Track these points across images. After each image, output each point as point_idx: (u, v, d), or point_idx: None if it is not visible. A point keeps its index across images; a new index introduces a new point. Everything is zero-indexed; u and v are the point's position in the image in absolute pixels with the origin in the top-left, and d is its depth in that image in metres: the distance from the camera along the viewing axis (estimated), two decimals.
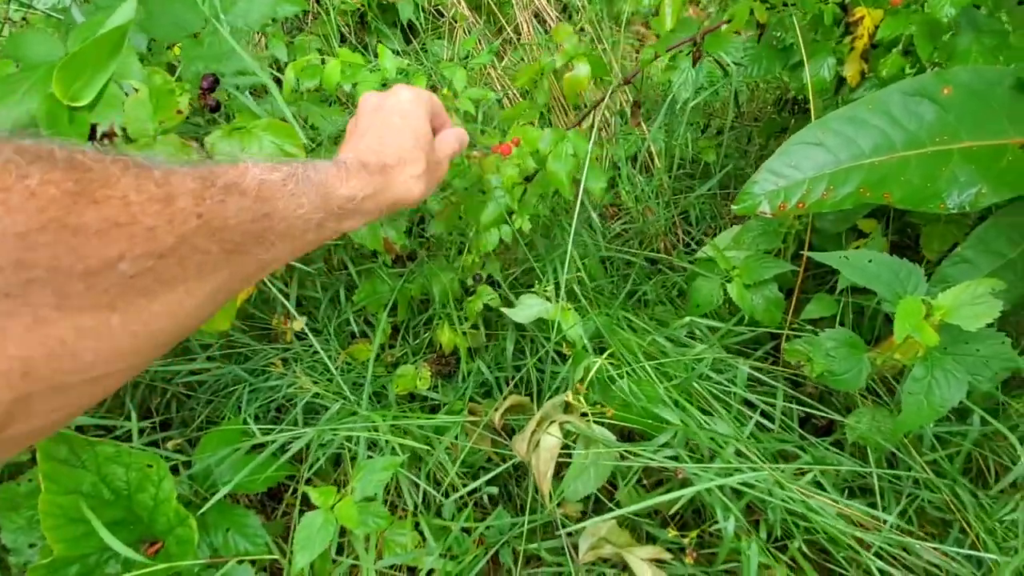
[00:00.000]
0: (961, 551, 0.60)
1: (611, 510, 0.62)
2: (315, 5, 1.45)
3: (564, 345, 0.79)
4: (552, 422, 0.63)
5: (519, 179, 0.80)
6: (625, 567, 0.62)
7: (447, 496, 0.72)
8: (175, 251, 0.25)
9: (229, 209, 0.28)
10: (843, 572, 0.62)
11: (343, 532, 0.69)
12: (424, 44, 1.56)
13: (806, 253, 0.72)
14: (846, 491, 0.70)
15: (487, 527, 0.72)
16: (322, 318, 0.93)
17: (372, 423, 0.71)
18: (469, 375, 0.88)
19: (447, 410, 0.82)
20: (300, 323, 0.84)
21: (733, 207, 0.70)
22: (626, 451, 0.61)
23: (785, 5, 0.80)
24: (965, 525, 0.63)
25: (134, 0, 0.46)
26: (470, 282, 0.91)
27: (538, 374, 0.84)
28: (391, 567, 0.69)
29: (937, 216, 0.84)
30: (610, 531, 0.62)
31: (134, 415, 0.73)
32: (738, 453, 0.63)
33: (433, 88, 1.29)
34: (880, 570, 0.58)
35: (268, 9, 0.81)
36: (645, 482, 0.75)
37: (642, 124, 1.23)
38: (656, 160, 1.27)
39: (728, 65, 1.12)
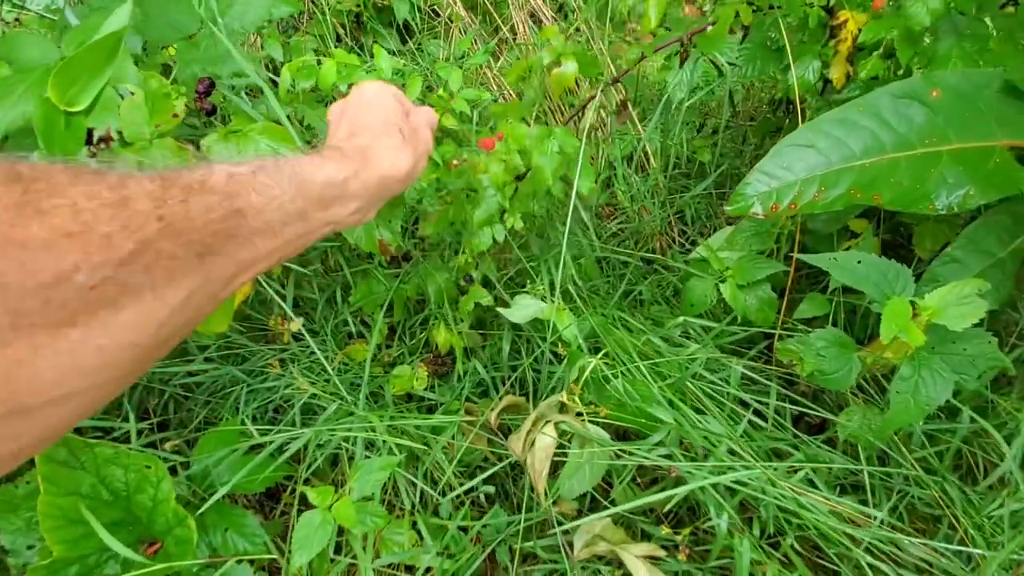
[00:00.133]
0: (950, 547, 0.61)
1: (606, 508, 0.63)
2: (311, 5, 1.45)
3: (560, 345, 0.80)
4: (547, 422, 0.64)
5: (509, 178, 0.80)
6: (620, 564, 0.63)
7: (444, 495, 0.73)
8: (137, 257, 0.23)
9: (194, 209, 0.26)
10: (835, 568, 0.63)
11: (341, 531, 0.69)
12: (420, 44, 1.56)
13: (796, 255, 0.73)
14: (838, 488, 0.71)
15: (484, 526, 0.72)
16: (319, 319, 0.93)
17: (369, 423, 0.72)
18: (465, 375, 0.88)
19: (444, 410, 0.82)
20: (297, 324, 0.85)
21: (726, 208, 0.71)
22: (620, 450, 0.62)
23: (771, 8, 0.81)
24: (954, 521, 0.64)
25: (129, 5, 0.47)
26: (462, 282, 0.91)
27: (534, 374, 0.85)
28: (389, 566, 0.70)
29: (928, 216, 0.85)
30: (605, 529, 0.63)
31: (132, 416, 0.73)
32: (731, 451, 0.64)
33: (429, 88, 1.29)
34: (870, 566, 0.59)
35: (263, 11, 0.81)
36: (640, 480, 0.76)
37: (636, 123, 1.24)
38: (652, 160, 1.28)
39: (723, 65, 1.12)
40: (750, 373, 0.77)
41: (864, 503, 0.66)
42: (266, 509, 0.87)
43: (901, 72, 0.79)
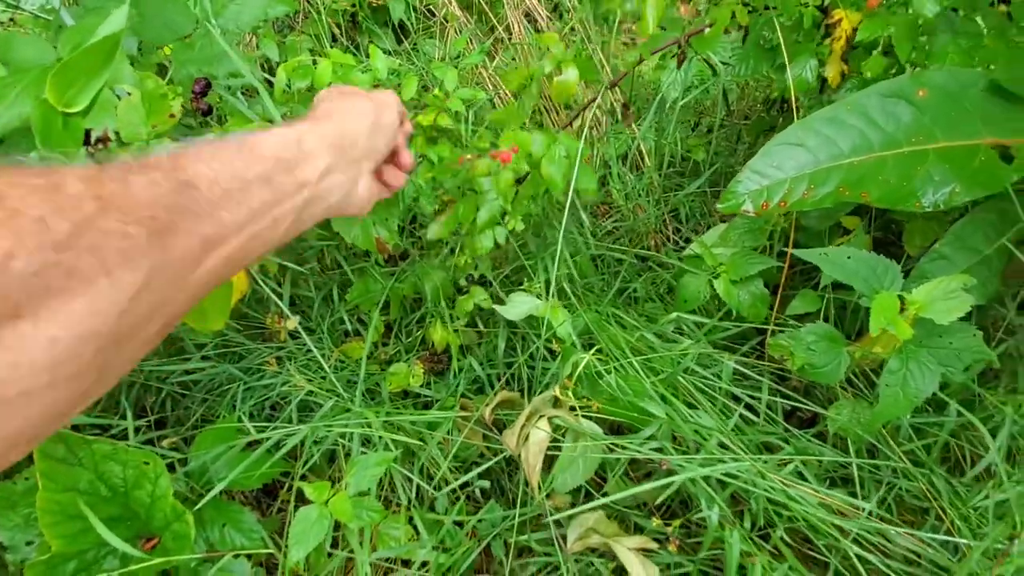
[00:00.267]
0: (936, 537, 0.62)
1: (600, 502, 0.64)
2: (306, 5, 1.45)
3: (554, 342, 0.80)
4: (541, 416, 0.65)
5: (513, 182, 0.81)
6: (613, 557, 0.64)
7: (439, 490, 0.73)
8: (78, 239, 0.22)
9: (135, 186, 0.25)
10: (824, 559, 0.64)
11: (338, 526, 0.70)
12: (415, 44, 1.57)
13: (790, 250, 0.74)
14: (828, 481, 0.72)
15: (479, 520, 0.73)
16: (315, 317, 0.94)
17: (365, 419, 0.72)
18: (461, 372, 0.89)
19: (439, 406, 0.83)
20: (294, 322, 0.85)
21: (718, 206, 0.72)
22: (613, 444, 0.63)
23: (767, 8, 0.82)
24: (941, 512, 0.65)
25: (126, 7, 0.47)
26: (463, 282, 0.92)
27: (529, 370, 0.86)
28: (385, 560, 0.71)
29: (918, 213, 0.86)
30: (598, 522, 0.63)
31: (129, 414, 0.74)
32: (722, 445, 0.65)
33: (425, 88, 1.30)
34: (858, 556, 0.60)
35: (259, 11, 0.82)
36: (634, 475, 0.77)
37: (631, 124, 1.25)
38: (646, 159, 1.29)
39: (717, 65, 1.13)
40: (742, 369, 0.78)
41: (853, 495, 0.67)
42: (263, 506, 0.87)
43: (895, 71, 0.80)
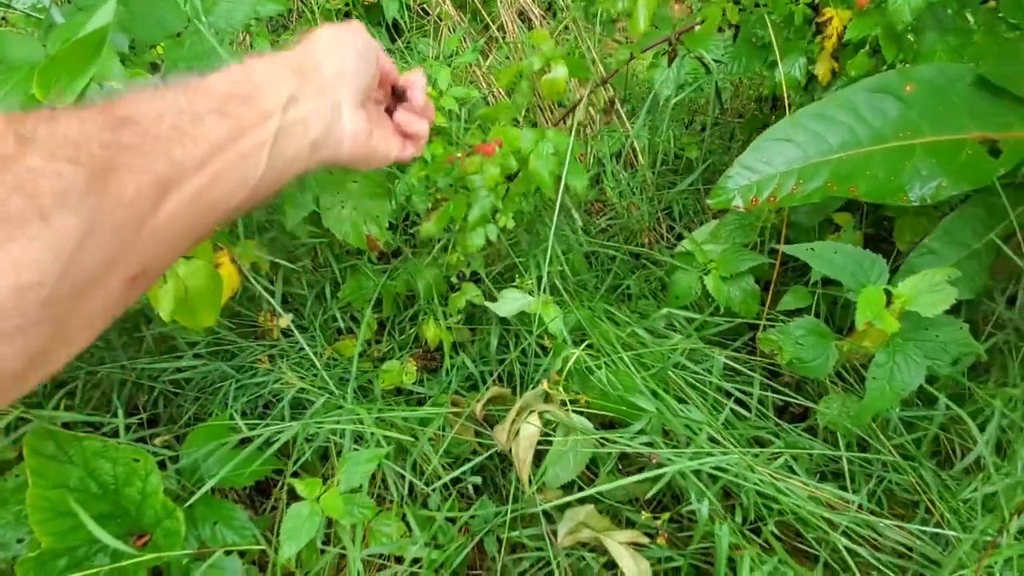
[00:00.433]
0: (926, 529, 0.62)
1: (591, 497, 0.64)
2: (299, 4, 1.45)
3: (546, 338, 0.81)
4: (531, 412, 0.65)
5: (501, 178, 0.81)
6: (604, 551, 0.64)
7: (428, 485, 0.73)
8: (1, 179, 0.20)
9: (63, 124, 0.23)
10: (814, 552, 0.65)
11: (330, 523, 0.70)
12: (409, 42, 1.57)
13: (781, 246, 0.74)
14: (818, 475, 0.73)
15: (472, 516, 0.73)
16: (308, 314, 0.94)
17: (357, 416, 0.73)
18: (454, 369, 0.89)
19: (432, 403, 0.83)
20: (286, 320, 0.85)
21: (708, 201, 0.72)
22: (603, 438, 0.63)
23: (757, 6, 0.82)
24: (930, 505, 0.65)
25: (113, 3, 0.47)
26: (455, 279, 0.92)
27: (521, 367, 0.86)
28: (377, 556, 0.71)
29: (908, 208, 0.86)
30: (588, 516, 0.64)
31: (120, 411, 0.74)
32: (713, 439, 0.65)
33: None
34: (848, 549, 0.61)
35: (250, 9, 0.82)
36: (626, 470, 0.77)
37: (624, 121, 1.25)
38: (640, 156, 1.29)
39: (710, 63, 1.14)
40: (734, 364, 0.78)
41: (844, 489, 0.67)
42: (257, 504, 0.87)
43: (886, 68, 0.81)
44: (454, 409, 0.77)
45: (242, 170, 0.30)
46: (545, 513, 0.66)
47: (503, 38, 1.52)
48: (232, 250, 0.75)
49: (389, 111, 0.51)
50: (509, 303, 0.77)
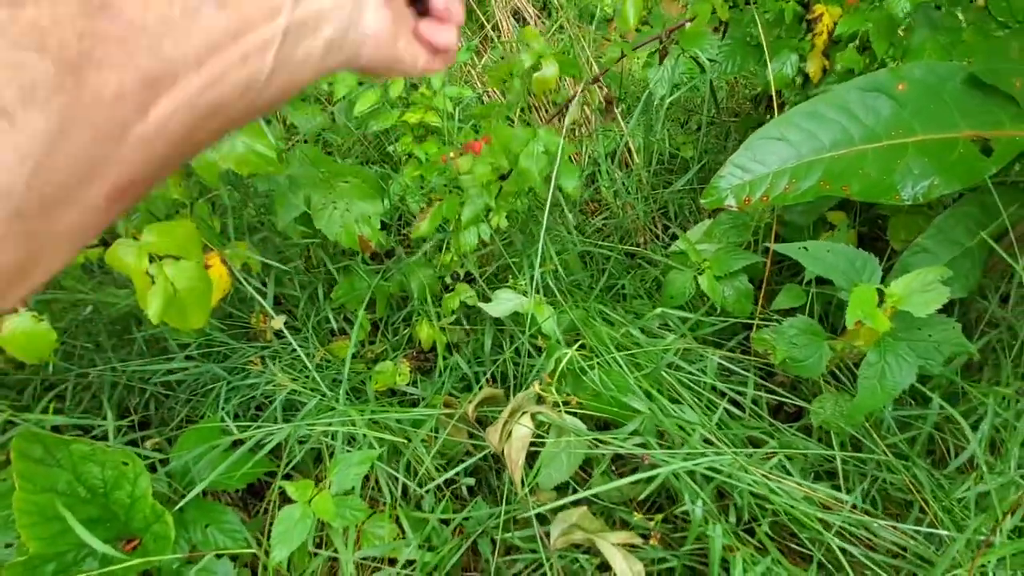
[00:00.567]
0: (920, 529, 0.62)
1: (585, 498, 0.64)
2: None
3: (540, 338, 0.80)
4: (524, 413, 0.64)
5: (494, 177, 0.81)
6: (598, 553, 0.64)
7: (422, 486, 0.73)
8: None
9: (30, 8, 0.20)
10: (808, 552, 0.64)
11: (322, 526, 0.70)
12: None
13: (772, 245, 0.74)
14: (813, 475, 0.72)
15: (466, 518, 0.73)
16: (301, 316, 0.93)
17: (349, 418, 0.72)
18: (447, 370, 0.89)
19: (425, 404, 0.83)
20: (279, 322, 0.85)
21: (701, 201, 0.72)
22: (596, 439, 0.63)
23: (748, 3, 0.82)
24: (924, 504, 0.65)
25: None
26: (449, 280, 0.92)
27: (515, 367, 0.85)
28: (370, 559, 0.70)
29: (902, 207, 0.86)
30: (581, 518, 0.63)
31: (110, 414, 0.73)
32: (706, 440, 0.65)
33: (413, 86, 1.29)
34: (842, 549, 0.60)
35: None
36: (619, 471, 0.77)
37: (619, 120, 1.25)
38: (635, 156, 1.29)
39: (704, 62, 1.13)
40: (728, 364, 0.78)
41: (838, 488, 0.67)
42: (250, 506, 0.87)
43: (876, 65, 0.81)
44: (447, 411, 0.77)
45: (244, 73, 0.26)
46: (538, 515, 0.66)
47: (498, 38, 1.52)
48: (222, 251, 0.75)
49: None
50: (502, 304, 0.77)
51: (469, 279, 0.93)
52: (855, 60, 0.73)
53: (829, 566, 0.62)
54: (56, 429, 0.71)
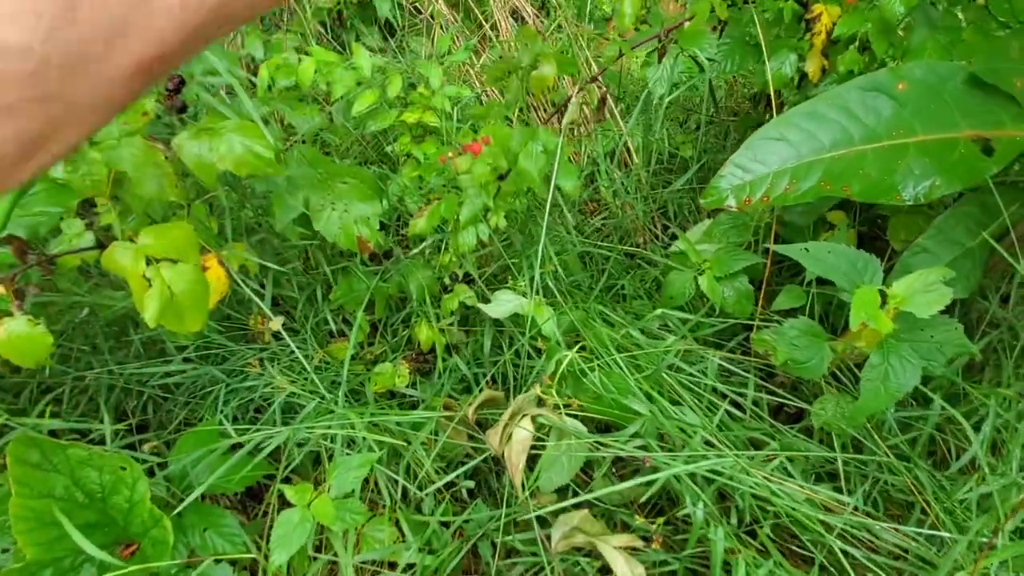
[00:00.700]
0: (921, 531, 0.62)
1: (586, 501, 0.64)
2: (292, 3, 1.44)
3: (539, 340, 0.80)
4: (524, 415, 0.64)
5: (492, 177, 0.81)
6: (599, 556, 0.64)
7: (422, 489, 0.73)
8: None
9: None
10: (810, 555, 0.64)
11: (322, 529, 0.69)
12: (402, 41, 1.56)
13: (772, 246, 0.74)
14: (814, 476, 0.72)
15: (465, 520, 0.73)
16: (299, 317, 0.93)
17: (348, 420, 0.72)
18: (447, 371, 0.88)
19: (425, 407, 0.82)
20: (277, 323, 0.84)
21: (701, 201, 0.72)
22: (597, 442, 0.63)
23: (746, 2, 0.82)
24: (925, 506, 0.65)
25: None
26: (448, 281, 0.92)
27: (515, 369, 0.85)
28: (370, 563, 0.70)
29: (902, 207, 0.86)
30: (583, 521, 0.63)
31: (107, 418, 0.73)
32: (708, 442, 0.64)
33: (412, 86, 1.29)
34: (844, 551, 0.60)
35: None
36: (620, 473, 0.76)
37: (618, 119, 1.24)
38: (634, 155, 1.29)
39: (703, 62, 1.13)
40: (728, 365, 0.78)
41: (839, 490, 0.67)
42: (249, 509, 0.86)
43: (876, 65, 0.80)
44: (447, 413, 0.76)
45: None
46: (539, 518, 0.66)
47: (496, 37, 1.51)
48: (219, 252, 0.74)
49: None
50: (502, 305, 0.77)
51: (468, 280, 0.92)
52: (856, 61, 0.73)
53: (831, 568, 0.62)
54: (53, 433, 0.70)
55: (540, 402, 0.66)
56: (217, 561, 0.64)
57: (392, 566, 0.71)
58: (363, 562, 0.69)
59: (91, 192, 0.56)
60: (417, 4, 1.60)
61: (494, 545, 0.71)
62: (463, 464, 0.75)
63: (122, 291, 0.80)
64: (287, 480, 0.76)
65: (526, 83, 0.78)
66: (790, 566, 0.61)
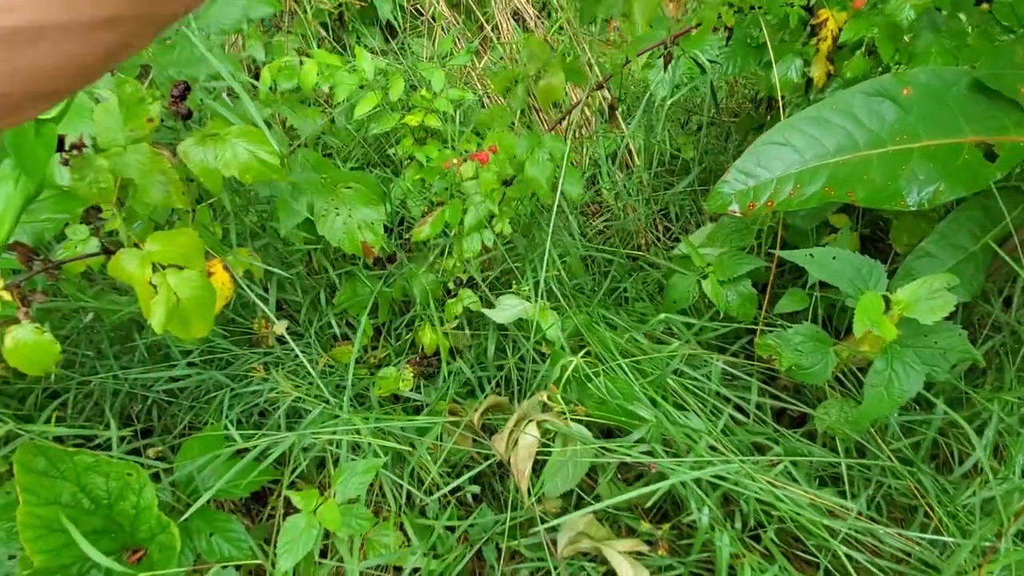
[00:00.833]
0: (924, 536, 0.62)
1: (591, 505, 0.64)
2: (292, 4, 1.44)
3: (544, 344, 0.80)
4: (530, 421, 0.64)
5: (497, 184, 0.81)
6: (604, 560, 0.64)
7: (430, 495, 0.73)
8: None
9: None
10: (815, 560, 0.65)
11: (327, 534, 0.69)
12: (403, 43, 1.56)
13: (777, 252, 0.74)
14: (818, 480, 0.73)
15: (471, 525, 0.73)
16: (303, 321, 0.93)
17: (353, 426, 0.72)
18: (451, 375, 0.88)
19: (429, 411, 0.83)
20: (281, 327, 0.84)
21: (705, 206, 0.72)
22: (602, 447, 0.63)
23: (752, 8, 0.82)
24: (929, 510, 0.65)
25: None
26: (452, 285, 0.92)
27: (519, 373, 0.85)
28: (376, 567, 0.70)
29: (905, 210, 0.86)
30: (588, 525, 0.63)
31: (113, 424, 0.73)
32: (712, 447, 0.65)
33: (413, 88, 1.28)
34: (848, 556, 0.60)
35: (240, 13, 0.81)
36: (625, 476, 0.77)
37: (620, 122, 1.24)
38: (636, 157, 1.29)
39: (705, 63, 1.13)
40: (731, 369, 0.78)
41: (843, 494, 0.67)
42: (253, 512, 0.86)
43: (881, 70, 0.80)
44: (452, 418, 0.77)
45: None
46: (544, 522, 0.66)
47: (498, 38, 1.51)
48: (224, 258, 0.74)
49: None
50: (506, 310, 0.77)
51: (472, 284, 0.92)
52: (862, 67, 0.73)
53: (836, 573, 0.62)
54: (59, 439, 0.70)
55: (545, 407, 0.66)
56: (224, 567, 0.65)
57: (398, 571, 0.71)
58: (369, 567, 0.69)
59: (97, 200, 0.56)
60: (418, 6, 1.60)
61: (499, 549, 0.71)
62: (468, 468, 0.75)
63: (127, 296, 0.80)
64: (292, 484, 0.76)
65: (532, 90, 0.78)
66: (795, 571, 0.62)
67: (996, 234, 0.74)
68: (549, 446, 0.65)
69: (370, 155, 1.26)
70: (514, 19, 1.54)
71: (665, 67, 0.85)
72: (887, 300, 0.60)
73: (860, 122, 0.66)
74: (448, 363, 0.89)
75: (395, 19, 1.54)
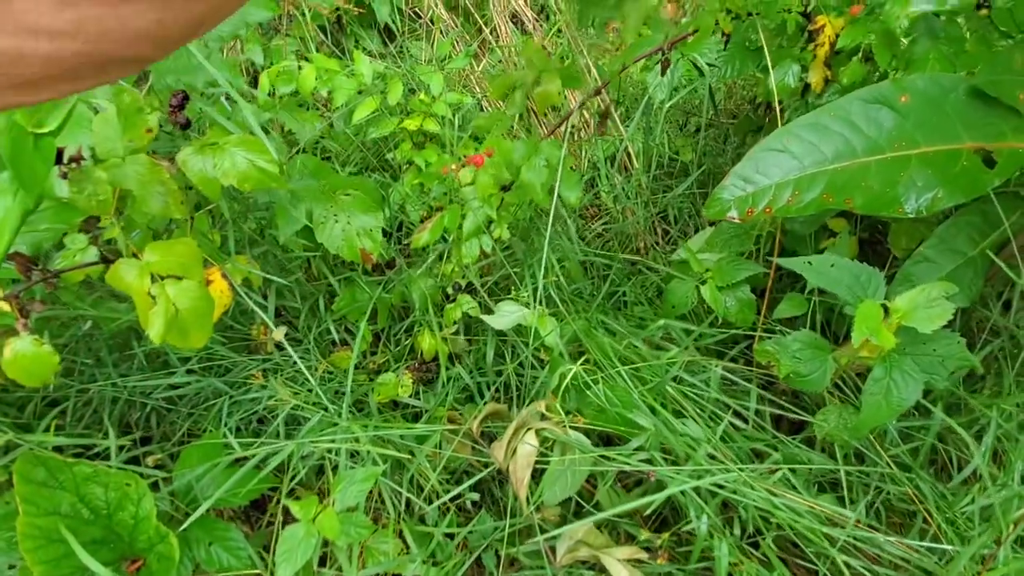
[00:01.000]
0: (923, 544, 0.62)
1: (590, 513, 0.64)
2: (291, 8, 1.43)
3: (543, 350, 0.80)
4: (528, 429, 0.64)
5: (495, 189, 0.81)
6: (603, 568, 0.64)
7: (429, 503, 0.73)
8: None
9: None
10: (814, 567, 0.65)
11: (326, 542, 0.69)
12: (402, 46, 1.56)
13: (775, 259, 0.74)
14: (816, 487, 0.73)
15: (470, 532, 0.73)
16: (302, 328, 0.93)
17: (352, 434, 0.72)
18: (450, 381, 0.88)
19: (428, 417, 0.83)
20: (280, 334, 0.84)
21: (704, 212, 0.72)
22: (601, 455, 0.63)
23: (750, 14, 0.82)
24: (927, 516, 0.65)
25: None
26: (450, 290, 0.92)
27: (518, 379, 0.85)
28: (375, 575, 0.70)
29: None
30: (587, 533, 0.63)
31: (112, 432, 0.73)
32: (711, 455, 0.65)
33: (412, 91, 1.28)
34: (847, 564, 0.61)
35: (238, 18, 0.81)
36: (624, 483, 0.77)
37: (618, 124, 1.24)
38: (634, 160, 1.29)
39: (703, 66, 1.13)
40: (730, 375, 0.78)
41: (841, 500, 0.67)
42: (252, 519, 0.87)
43: (878, 75, 0.80)
44: (451, 426, 0.77)
45: None
46: (543, 530, 0.66)
47: (496, 42, 1.51)
48: (223, 266, 0.74)
49: None
50: (505, 316, 0.77)
51: (470, 289, 0.92)
52: (859, 73, 0.73)
53: None
54: (58, 449, 0.70)
55: (544, 417, 0.66)
56: None
57: None
58: (368, 575, 0.69)
59: (96, 211, 0.56)
60: (416, 9, 1.60)
61: (498, 556, 0.71)
62: (467, 475, 0.75)
63: (125, 303, 0.80)
64: (291, 492, 0.76)
65: (530, 94, 0.78)
66: None
67: (994, 239, 0.75)
68: (548, 454, 0.65)
69: (369, 159, 1.26)
70: (512, 22, 1.54)
71: (663, 73, 0.85)
72: (885, 308, 0.60)
73: (858, 129, 0.66)
74: (447, 369, 0.89)
75: (393, 22, 1.54)
